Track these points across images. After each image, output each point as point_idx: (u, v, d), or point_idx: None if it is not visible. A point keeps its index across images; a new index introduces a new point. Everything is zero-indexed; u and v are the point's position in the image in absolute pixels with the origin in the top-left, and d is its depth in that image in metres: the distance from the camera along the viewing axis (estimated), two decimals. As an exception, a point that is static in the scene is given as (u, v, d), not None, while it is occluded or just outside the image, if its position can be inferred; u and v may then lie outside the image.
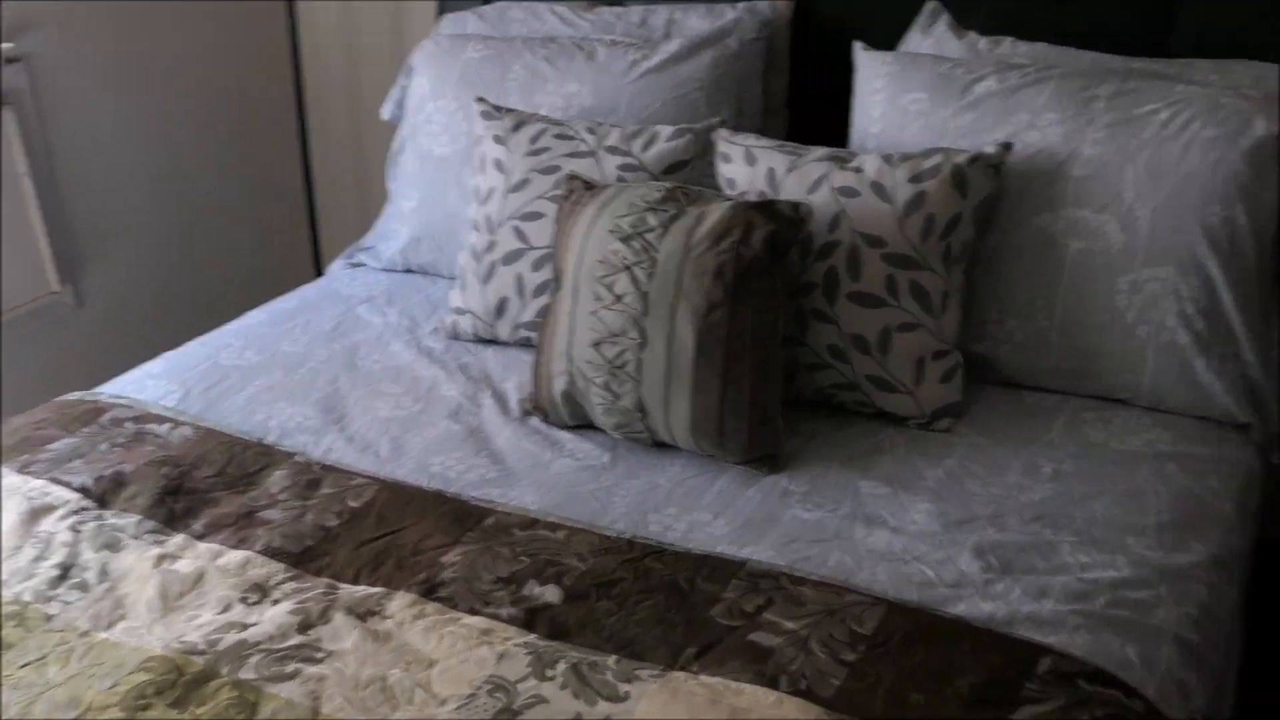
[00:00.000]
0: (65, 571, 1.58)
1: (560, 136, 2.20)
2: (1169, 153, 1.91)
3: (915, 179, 1.93)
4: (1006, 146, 1.97)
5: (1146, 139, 1.93)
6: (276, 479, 1.79)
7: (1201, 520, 1.70)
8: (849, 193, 1.95)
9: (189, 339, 2.31)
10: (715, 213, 1.83)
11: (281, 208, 3.39)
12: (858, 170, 1.97)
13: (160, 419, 1.96)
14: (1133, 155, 1.93)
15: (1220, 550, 1.66)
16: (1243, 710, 1.74)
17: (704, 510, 1.73)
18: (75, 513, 1.69)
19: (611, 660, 1.41)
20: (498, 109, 2.30)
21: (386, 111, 2.69)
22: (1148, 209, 1.91)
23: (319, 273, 3.20)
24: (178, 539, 1.65)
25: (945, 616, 1.48)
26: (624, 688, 1.36)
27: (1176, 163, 1.91)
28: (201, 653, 1.42)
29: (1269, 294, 1.94)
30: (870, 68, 2.23)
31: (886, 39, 2.32)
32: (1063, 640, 1.44)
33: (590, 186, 1.99)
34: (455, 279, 2.32)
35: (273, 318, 2.37)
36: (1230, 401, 1.90)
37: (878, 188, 1.94)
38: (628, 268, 1.82)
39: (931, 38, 2.30)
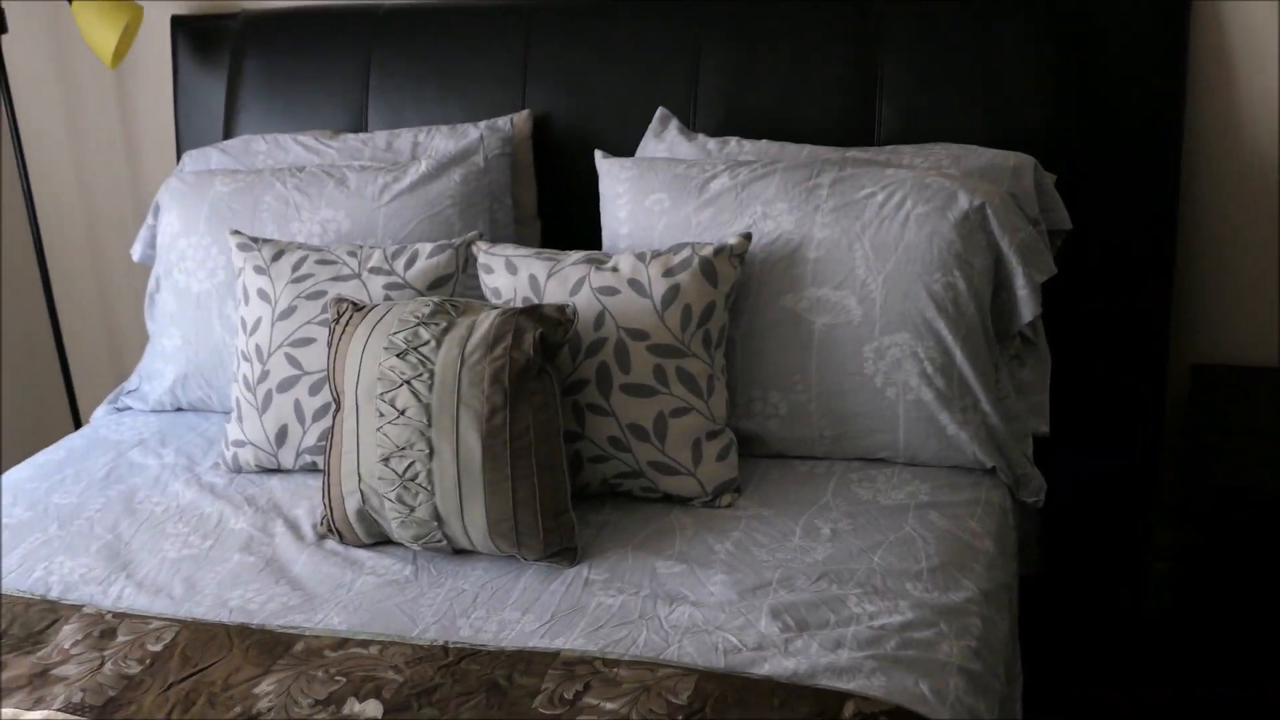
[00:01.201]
0: None
1: (322, 262, 2.24)
2: (889, 230, 2.10)
3: (668, 273, 2.05)
4: (747, 236, 2.12)
5: (868, 219, 2.12)
6: (66, 633, 1.73)
7: (967, 560, 1.85)
8: (609, 291, 2.05)
9: (-58, 505, 2.20)
10: (485, 321, 1.90)
11: (31, 362, 3.26)
12: (614, 269, 2.08)
13: (-72, 589, 1.86)
14: (859, 235, 2.12)
15: (988, 585, 1.82)
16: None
17: (512, 609, 1.77)
18: None
19: (442, 764, 1.43)
20: (255, 240, 2.31)
21: (136, 253, 2.65)
22: (879, 282, 2.09)
23: (77, 422, 3.08)
24: (-33, 709, 1.57)
25: (753, 677, 1.57)
26: (458, 789, 1.38)
27: (897, 238, 2.10)
28: (13, 822, 1.36)
29: (994, 348, 2.14)
30: (612, 174, 2.36)
31: (622, 144, 2.47)
32: (862, 684, 1.54)
33: (359, 307, 2.03)
34: (229, 413, 2.30)
35: (39, 471, 2.28)
36: (976, 449, 2.08)
37: (635, 284, 2.05)
38: (407, 382, 1.86)
39: (665, 142, 2.45)
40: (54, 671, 1.65)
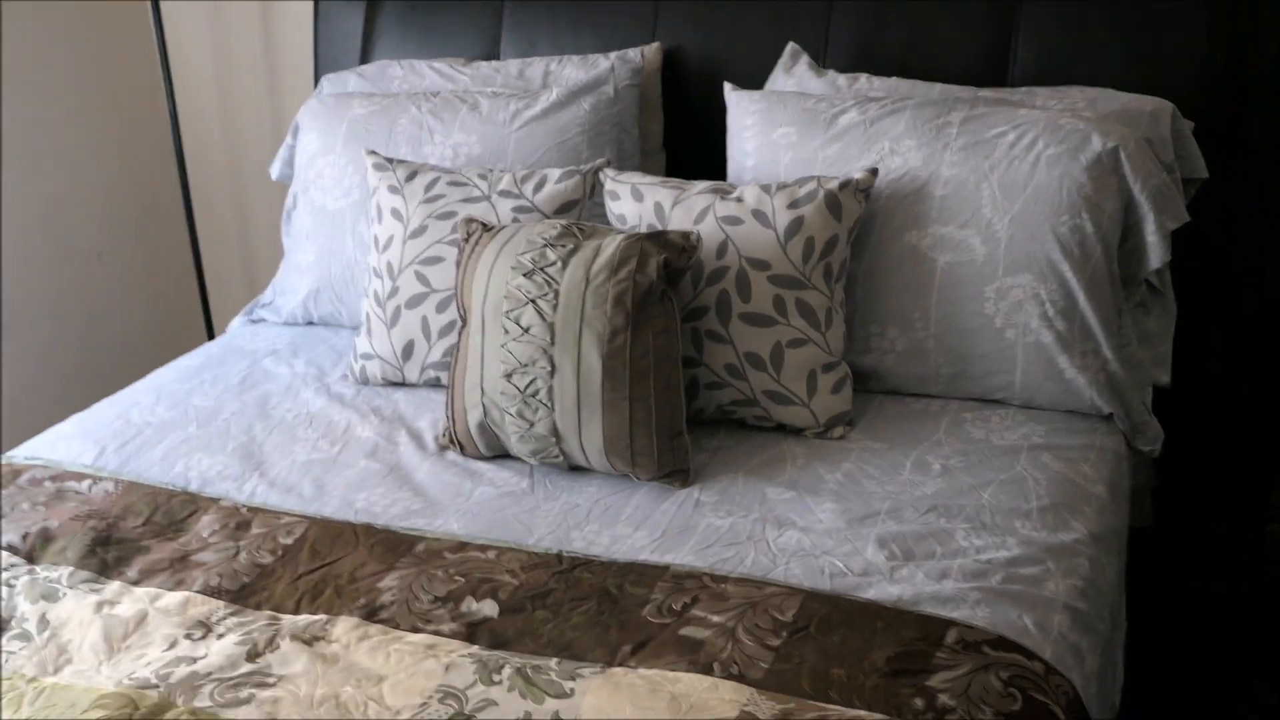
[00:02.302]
0: (4, 625, 1.59)
1: (453, 183, 2.29)
2: (1019, 170, 2.08)
3: (793, 205, 2.06)
4: (873, 171, 2.11)
5: (998, 159, 2.10)
6: (205, 523, 1.84)
7: (1078, 502, 1.84)
8: (732, 221, 2.07)
9: (86, 403, 2.32)
10: (611, 245, 1.93)
11: (170, 271, 3.41)
12: (739, 200, 2.10)
13: (79, 476, 1.98)
14: (987, 174, 2.10)
15: (1098, 528, 1.81)
16: (1131, 682, 1.89)
17: (624, 524, 1.82)
18: (5, 570, 1.71)
19: (553, 662, 1.49)
20: (390, 160, 2.37)
21: (275, 171, 2.74)
22: (1005, 222, 2.08)
23: (210, 334, 3.21)
24: (114, 586, 1.68)
25: (858, 600, 1.60)
26: (568, 685, 1.44)
27: (1026, 179, 2.08)
28: (154, 686, 1.45)
29: (1119, 295, 2.12)
30: (740, 106, 2.37)
31: (750, 80, 2.47)
32: (966, 614, 1.56)
33: (488, 228, 2.08)
34: (358, 327, 2.39)
35: (180, 374, 2.40)
36: (1094, 394, 2.06)
37: (759, 215, 2.07)
38: (532, 301, 1.91)
39: (794, 77, 2.45)
40: (193, 557, 1.75)
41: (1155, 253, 2.10)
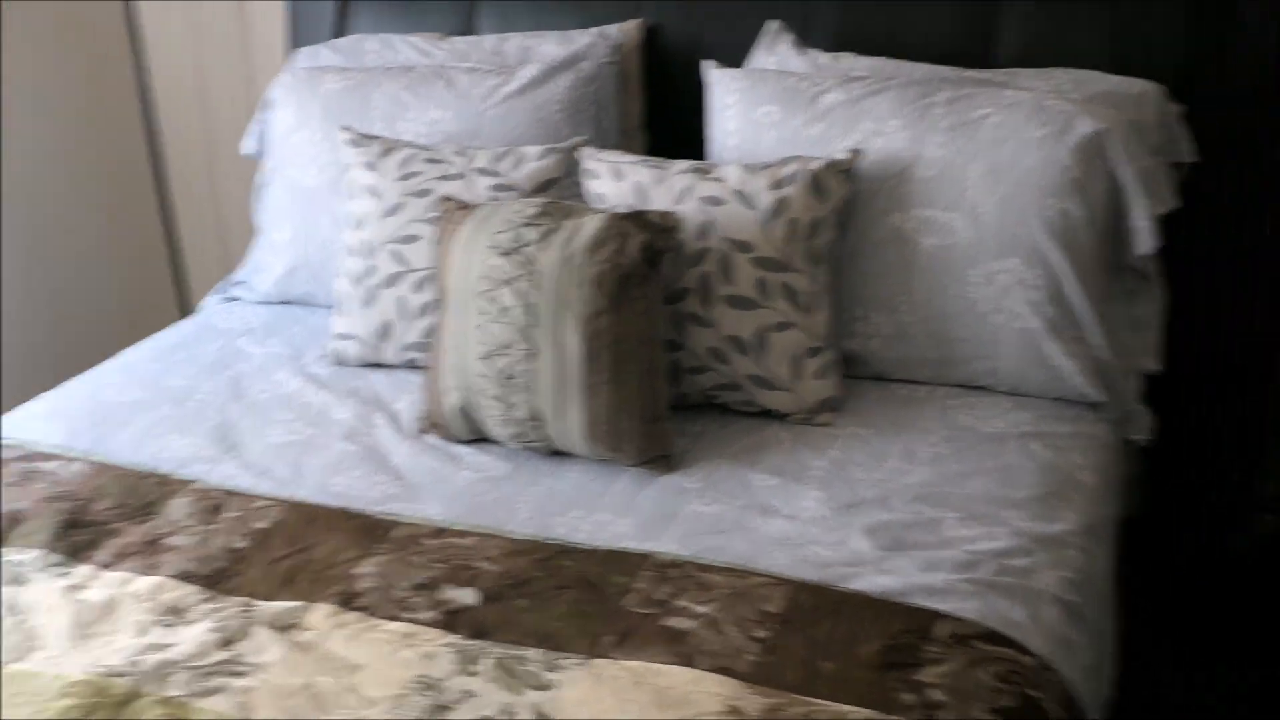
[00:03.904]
0: (-31, 611, 1.55)
1: (430, 160, 2.25)
2: (1005, 152, 2.05)
3: (776, 185, 2.03)
4: (856, 152, 2.08)
5: (983, 140, 2.07)
6: (177, 506, 1.79)
7: (1069, 492, 1.82)
8: (715, 201, 2.04)
9: (55, 382, 2.27)
10: (590, 225, 1.89)
11: (142, 248, 3.35)
12: (720, 180, 2.07)
13: (48, 457, 1.93)
14: (973, 156, 2.07)
15: (1089, 519, 1.79)
16: (1126, 675, 1.87)
17: (606, 511, 1.79)
18: (-30, 554, 1.66)
19: (535, 653, 1.46)
20: (365, 136, 2.32)
21: (247, 146, 2.69)
22: (991, 205, 2.05)
23: (184, 312, 3.16)
24: (83, 570, 1.64)
25: (845, 591, 1.57)
26: (549, 676, 1.41)
27: (1012, 161, 2.04)
28: (124, 674, 1.42)
29: (1108, 280, 2.10)
30: (722, 84, 2.33)
31: (732, 59, 2.43)
32: (956, 606, 1.53)
33: (465, 206, 2.04)
34: (334, 307, 2.34)
35: (152, 353, 2.34)
36: (1082, 381, 2.03)
37: (741, 195, 2.03)
38: (510, 281, 1.87)
39: (776, 55, 2.41)
40: (165, 541, 1.71)
41: (1143, 238, 2.08)
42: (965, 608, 1.54)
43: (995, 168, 2.05)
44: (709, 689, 1.39)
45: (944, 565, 1.63)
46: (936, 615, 1.52)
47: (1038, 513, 1.76)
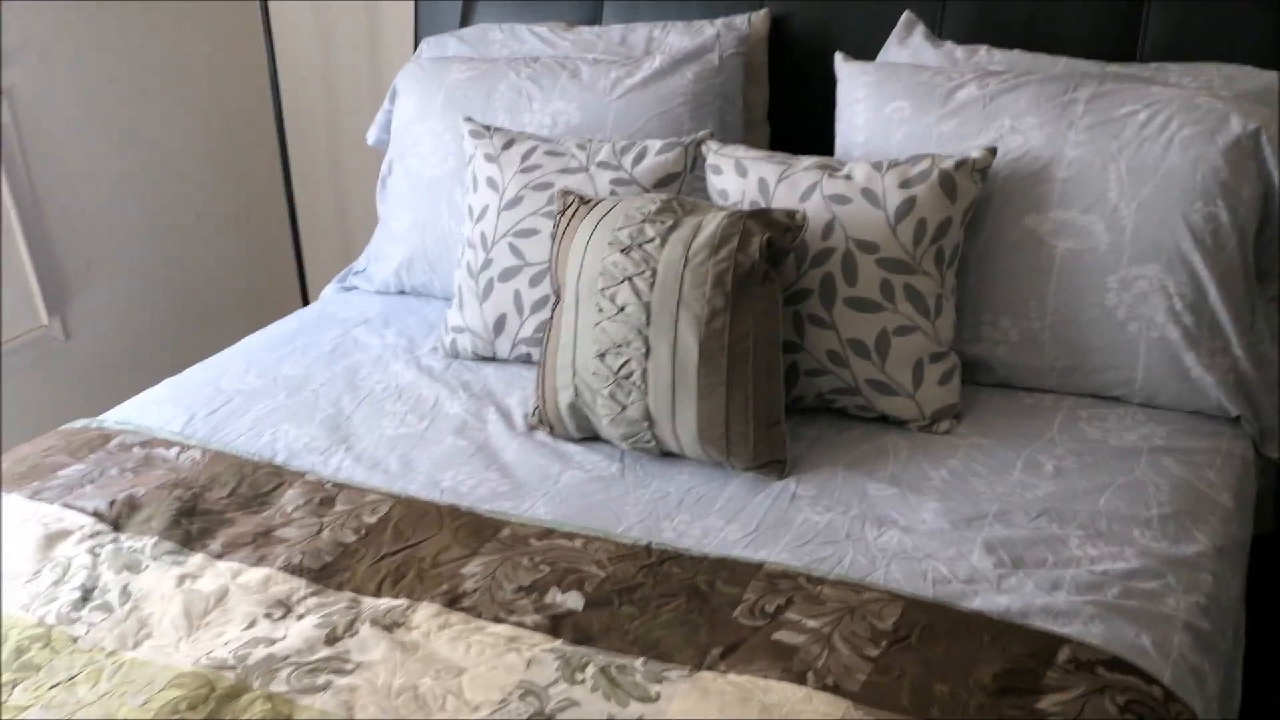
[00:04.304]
0: (87, 594, 1.58)
1: (551, 153, 2.23)
2: (1149, 152, 1.96)
3: (905, 185, 1.96)
4: (992, 151, 2.00)
5: (1127, 140, 1.98)
6: (290, 498, 1.80)
7: (1202, 511, 1.73)
8: (840, 200, 1.98)
9: (179, 368, 2.31)
10: (712, 222, 1.85)
11: (265, 235, 3.41)
12: (848, 178, 2.01)
13: (167, 443, 1.97)
14: (1114, 156, 1.98)
15: (1222, 540, 1.70)
16: (1249, 696, 1.78)
17: (716, 516, 1.75)
18: (91, 536, 1.70)
19: (639, 662, 1.42)
20: (487, 128, 2.32)
21: (372, 136, 2.71)
22: (1132, 208, 1.96)
23: (305, 299, 3.20)
24: (196, 558, 1.65)
25: (963, 610, 1.51)
26: (654, 688, 1.38)
27: (1157, 162, 1.95)
28: (231, 668, 1.42)
29: (1253, 288, 1.98)
30: (851, 78, 2.27)
31: (862, 51, 2.36)
32: (1079, 630, 1.47)
33: (585, 201, 2.02)
34: (450, 299, 2.34)
35: (271, 341, 2.38)
36: (1222, 395, 1.94)
37: (869, 194, 1.97)
38: (629, 279, 1.84)
39: (908, 48, 2.34)
40: (276, 532, 1.72)
41: (1294, 244, 1.97)
42: (1089, 632, 1.47)
43: (1138, 169, 1.96)
44: (818, 707, 1.34)
45: (1067, 586, 1.55)
46: (1059, 639, 1.45)
47: (1169, 532, 1.67)
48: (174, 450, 1.94)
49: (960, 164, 1.97)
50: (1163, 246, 1.93)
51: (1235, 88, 2.07)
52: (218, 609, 1.55)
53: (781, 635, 1.46)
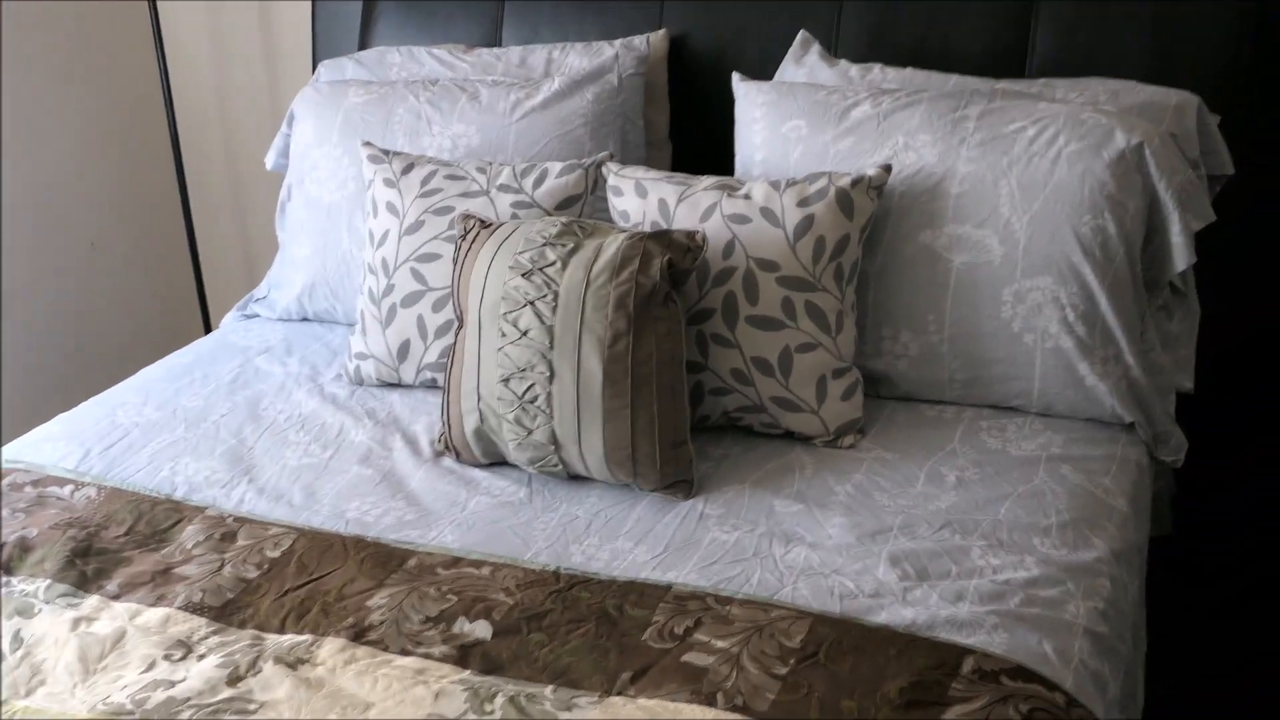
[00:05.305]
0: (-24, 643, 1.53)
1: (451, 177, 2.22)
2: (1039, 167, 2.00)
3: (803, 203, 1.99)
4: (887, 168, 2.03)
5: (1017, 155, 2.02)
6: (189, 534, 1.77)
7: (1099, 517, 1.77)
8: (740, 219, 1.99)
9: (74, 402, 2.26)
10: (613, 244, 1.86)
11: (164, 263, 3.34)
12: (747, 197, 2.02)
13: (61, 481, 1.92)
14: (1005, 171, 2.02)
15: (1119, 545, 1.73)
16: (1151, 697, 1.82)
17: (625, 538, 1.75)
18: (-20, 583, 1.64)
19: (549, 690, 1.42)
20: (385, 152, 2.30)
21: (270, 161, 2.67)
22: (1024, 222, 2.00)
23: (207, 328, 3.15)
24: (92, 600, 1.61)
25: (869, 625, 1.52)
26: (564, 716, 1.37)
27: (1046, 176, 1.99)
28: (130, 713, 1.39)
29: (1142, 298, 2.03)
30: (749, 97, 2.29)
31: (760, 70, 2.39)
32: (983, 640, 1.49)
33: (486, 225, 2.01)
34: (354, 325, 2.31)
35: (169, 373, 2.33)
36: (1115, 402, 1.98)
37: (767, 213, 1.99)
38: (530, 303, 1.83)
39: (805, 67, 2.37)
40: (176, 570, 1.68)
41: (1180, 254, 2.02)
42: (993, 641, 1.49)
43: (1029, 183, 2.00)
44: (727, 729, 1.35)
45: (971, 596, 1.58)
46: (963, 650, 1.47)
47: (1067, 540, 1.71)
48: (68, 488, 1.89)
49: (857, 182, 2.00)
50: (1054, 259, 1.98)
51: (1119, 102, 2.13)
52: (114, 652, 1.51)
53: (690, 657, 1.47)
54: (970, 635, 1.50)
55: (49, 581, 1.65)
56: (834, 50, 2.41)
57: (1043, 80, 2.25)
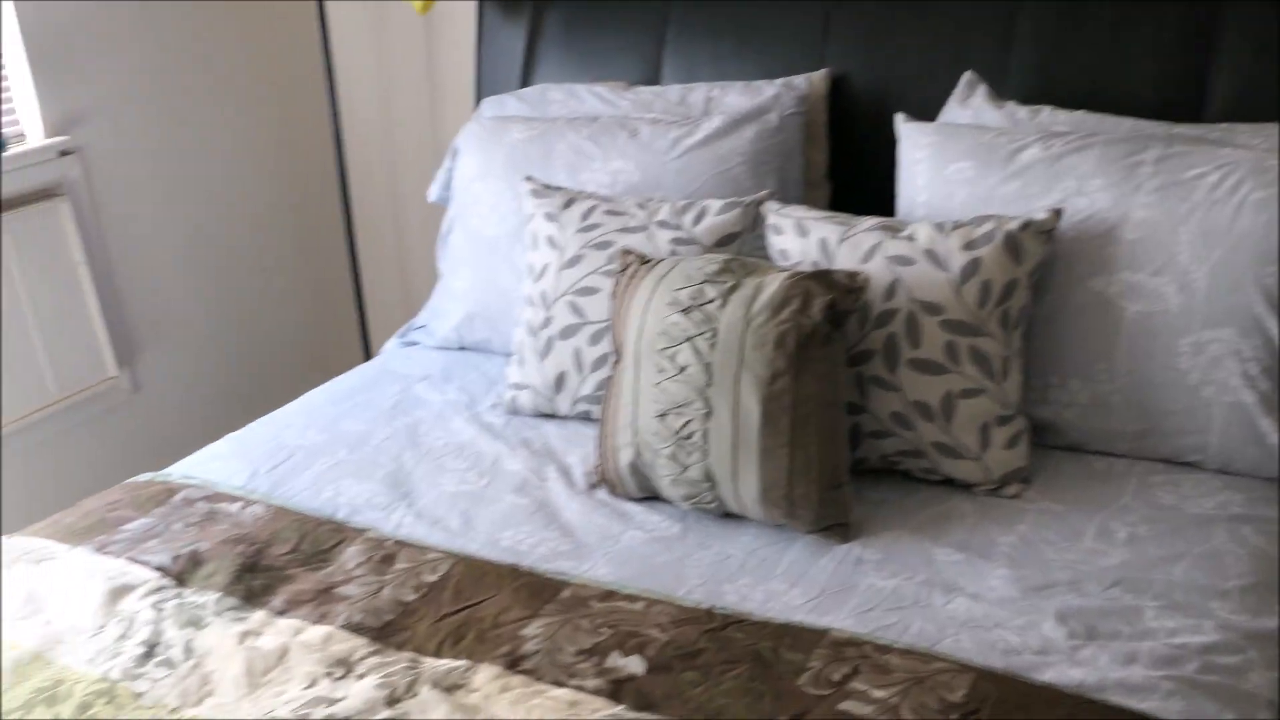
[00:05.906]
0: (150, 649, 1.58)
1: (611, 212, 2.23)
2: (1221, 215, 1.93)
3: (969, 246, 1.95)
4: (1057, 212, 1.98)
5: (1197, 201, 1.95)
6: (350, 555, 1.80)
7: (1283, 583, 1.68)
8: (903, 261, 1.96)
9: (243, 421, 2.33)
10: (773, 283, 1.84)
11: (329, 291, 3.45)
12: (910, 239, 1.99)
13: (231, 498, 1.97)
14: (1184, 218, 1.95)
15: (1305, 613, 1.65)
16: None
17: (779, 580, 1.72)
18: (155, 591, 1.69)
19: (703, 731, 1.40)
20: (547, 187, 2.33)
21: (433, 194, 2.73)
22: (1203, 270, 1.92)
23: (367, 354, 3.22)
24: (258, 615, 1.65)
25: (1035, 683, 1.47)
26: (719, 759, 1.35)
27: (1229, 225, 1.92)
28: (293, 729, 1.41)
29: (1329, 352, 1.94)
30: (912, 138, 2.26)
31: (922, 110, 2.35)
32: (1156, 706, 1.42)
33: (645, 260, 2.01)
34: (510, 355, 2.34)
35: (333, 397, 2.39)
36: (1300, 461, 1.89)
37: (932, 255, 1.95)
38: (689, 339, 1.83)
39: (969, 108, 2.32)
40: (337, 590, 1.71)
41: (1371, 307, 1.92)
42: (1168, 708, 1.42)
43: (1209, 231, 1.92)
44: (885, 782, 1.31)
45: (1144, 659, 1.51)
46: (1136, 716, 1.40)
47: (1249, 605, 1.62)
48: (237, 505, 1.95)
49: (1025, 225, 1.95)
50: (1236, 310, 1.90)
51: (1309, 148, 2.04)
52: (279, 667, 1.54)
53: (848, 705, 1.43)
54: (1144, 700, 1.43)
55: (219, 595, 1.69)
56: (1001, 92, 2.37)
57: (1223, 125, 2.16)
